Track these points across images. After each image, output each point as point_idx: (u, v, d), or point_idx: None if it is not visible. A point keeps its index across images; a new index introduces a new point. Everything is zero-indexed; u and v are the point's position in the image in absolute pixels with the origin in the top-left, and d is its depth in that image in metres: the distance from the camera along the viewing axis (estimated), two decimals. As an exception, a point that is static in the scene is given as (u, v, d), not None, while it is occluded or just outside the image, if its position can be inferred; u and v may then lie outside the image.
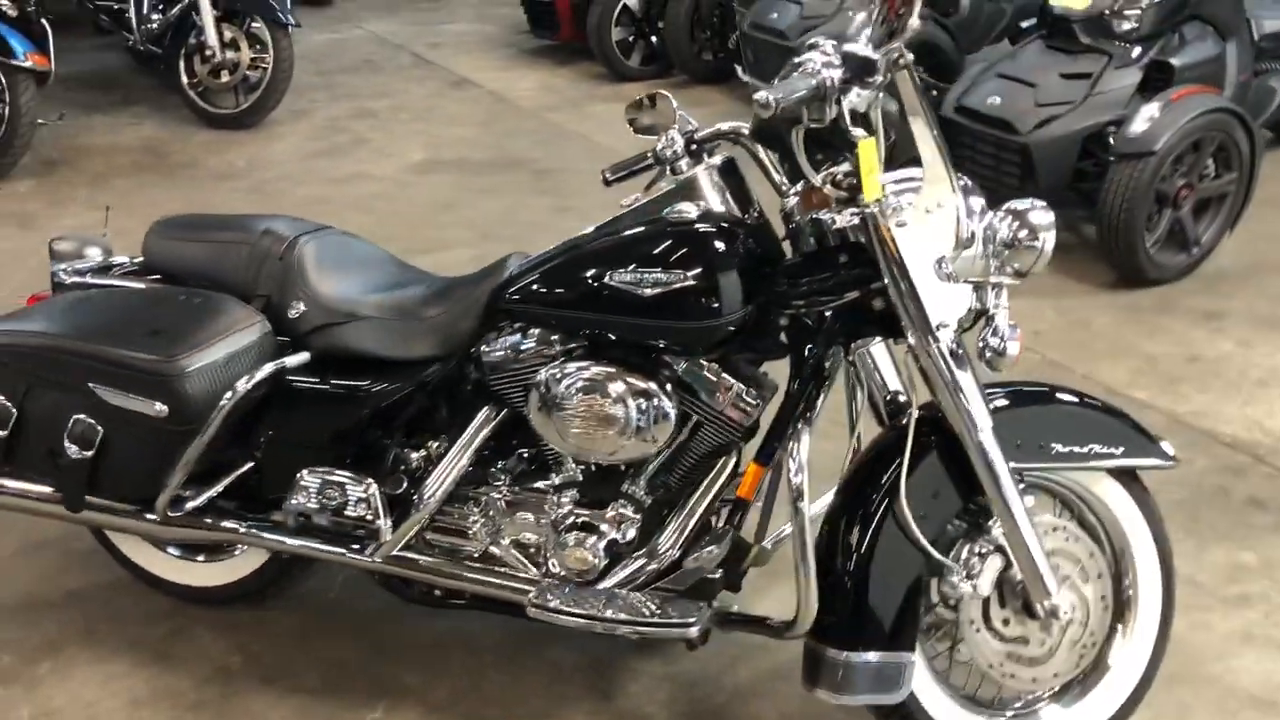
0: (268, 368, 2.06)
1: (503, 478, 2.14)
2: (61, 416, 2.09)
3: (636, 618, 1.96)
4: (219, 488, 2.17)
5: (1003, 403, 1.97)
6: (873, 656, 1.87)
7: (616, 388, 1.94)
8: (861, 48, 1.68)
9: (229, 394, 2.01)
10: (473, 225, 4.64)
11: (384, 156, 5.52)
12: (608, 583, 2.03)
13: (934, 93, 4.75)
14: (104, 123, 6.06)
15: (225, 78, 5.90)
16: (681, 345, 1.94)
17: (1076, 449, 1.94)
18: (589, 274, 1.94)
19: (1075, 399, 2.03)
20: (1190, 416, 3.17)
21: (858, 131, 1.66)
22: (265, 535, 2.17)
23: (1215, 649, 2.35)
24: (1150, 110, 3.81)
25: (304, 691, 2.29)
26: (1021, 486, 1.92)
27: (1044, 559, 1.88)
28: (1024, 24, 4.75)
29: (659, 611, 1.97)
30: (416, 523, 2.10)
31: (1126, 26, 4.22)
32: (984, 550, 1.92)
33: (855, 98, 1.67)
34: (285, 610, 2.49)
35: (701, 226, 1.92)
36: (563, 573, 2.05)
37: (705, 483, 2.04)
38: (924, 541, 1.86)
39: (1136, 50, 4.23)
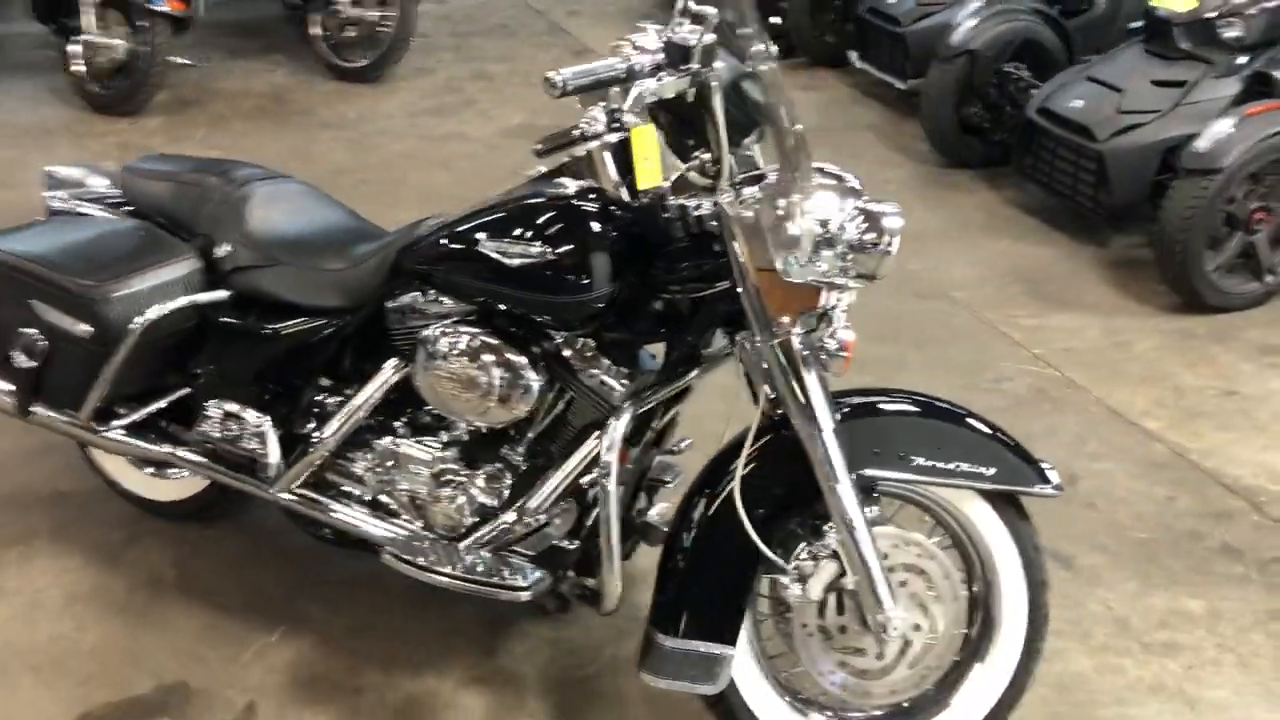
0: (180, 300, 2.20)
1: (402, 430, 2.22)
2: (14, 327, 2.29)
3: (470, 575, 2.02)
4: (150, 409, 2.34)
5: (870, 409, 1.93)
6: (692, 645, 1.88)
7: (485, 354, 2.00)
8: (684, 35, 1.67)
9: (138, 320, 2.16)
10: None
11: (485, 119, 5.68)
12: (468, 540, 2.09)
13: (1031, 91, 4.55)
14: (242, 68, 6.45)
15: (353, 33, 6.19)
16: (551, 318, 1.98)
17: (941, 464, 1.88)
18: (469, 242, 1.99)
19: (955, 414, 1.96)
20: (1196, 454, 2.97)
21: (629, 119, 1.66)
22: (177, 454, 2.33)
23: (1116, 694, 2.23)
24: (1224, 124, 3.56)
25: (218, 609, 2.45)
26: (875, 495, 1.89)
27: (880, 570, 1.84)
28: (1131, 26, 4.47)
29: (493, 572, 2.03)
30: (311, 463, 2.22)
31: (1232, 34, 3.95)
32: (819, 554, 1.89)
33: (654, 84, 1.66)
34: (229, 533, 2.66)
35: (573, 203, 1.94)
36: (434, 526, 2.13)
37: (575, 455, 2.07)
38: (755, 538, 1.84)
39: (1240, 60, 3.96)
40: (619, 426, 1.88)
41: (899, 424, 1.93)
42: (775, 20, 6.52)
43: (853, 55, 5.84)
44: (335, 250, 2.23)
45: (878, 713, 2.02)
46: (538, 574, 2.03)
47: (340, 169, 5.05)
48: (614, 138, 2.04)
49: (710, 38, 1.69)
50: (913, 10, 5.44)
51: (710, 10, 1.69)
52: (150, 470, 2.55)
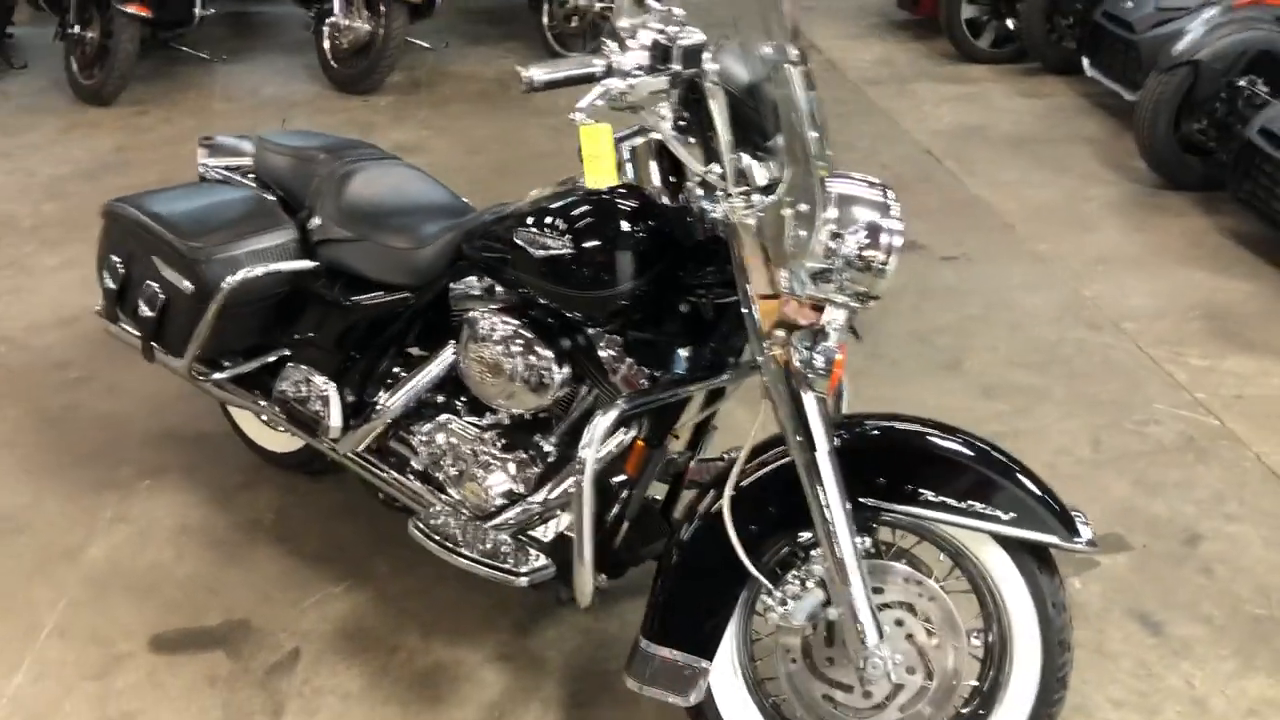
0: (266, 267, 2.36)
1: (456, 409, 2.30)
2: (142, 280, 2.54)
3: (474, 554, 2.07)
4: (248, 366, 2.53)
5: (882, 436, 1.84)
6: (671, 654, 1.85)
7: (515, 343, 2.04)
8: (670, 35, 1.62)
9: (228, 281, 2.34)
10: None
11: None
12: (495, 521, 2.14)
13: (1266, 106, 4.12)
14: (477, 54, 6.78)
15: (575, 23, 6.38)
16: (577, 312, 1.99)
17: (952, 502, 1.76)
18: (508, 232, 2.03)
19: (979, 451, 1.82)
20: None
21: (576, 116, 1.62)
22: (258, 405, 2.51)
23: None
24: None
25: (298, 555, 2.62)
26: (873, 525, 1.81)
27: (866, 603, 1.75)
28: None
29: (497, 554, 2.06)
30: (372, 429, 2.34)
31: None
32: (808, 579, 1.81)
33: (621, 84, 1.62)
34: (330, 487, 2.83)
35: (604, 200, 1.94)
36: (468, 504, 2.20)
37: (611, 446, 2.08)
38: (740, 554, 1.79)
39: None
40: (601, 424, 1.87)
41: (912, 454, 1.82)
42: (1010, 23, 6.23)
43: (1085, 62, 5.46)
44: (413, 231, 2.33)
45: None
46: (541, 562, 2.06)
47: (539, 153, 5.23)
48: (659, 136, 2.05)
49: (695, 38, 1.65)
50: (1150, 15, 5.04)
51: (679, 10, 1.65)
52: (265, 420, 2.76)
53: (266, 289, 2.40)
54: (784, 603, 1.82)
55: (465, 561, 2.09)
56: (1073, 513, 1.81)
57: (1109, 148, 5.02)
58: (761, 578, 1.81)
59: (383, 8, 5.86)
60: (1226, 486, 2.77)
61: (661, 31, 1.64)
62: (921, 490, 1.77)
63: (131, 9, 5.64)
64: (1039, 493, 1.79)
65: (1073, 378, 3.26)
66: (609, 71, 1.63)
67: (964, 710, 1.89)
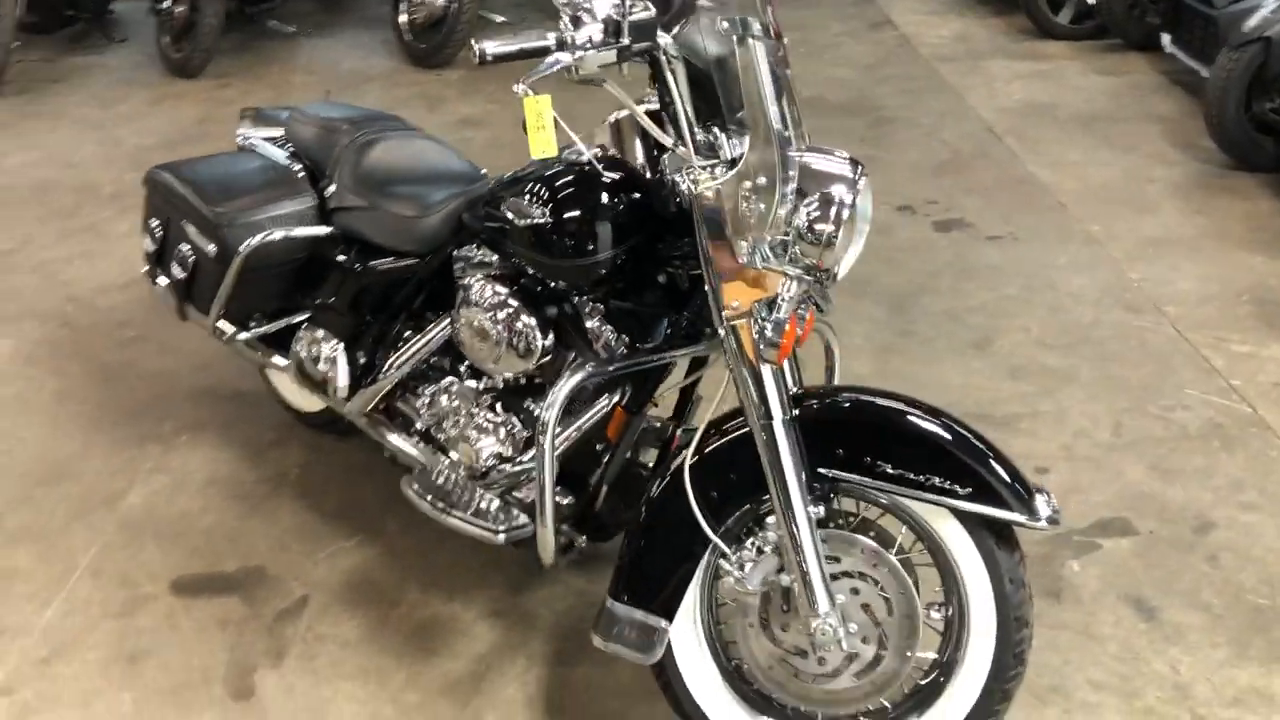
0: (285, 231, 2.47)
1: (461, 372, 2.38)
2: (176, 243, 2.67)
3: (461, 513, 2.14)
4: (269, 327, 2.65)
5: (845, 407, 1.85)
6: (633, 612, 1.90)
7: (501, 310, 2.11)
8: (622, 9, 1.65)
9: (245, 244, 2.45)
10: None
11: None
12: (483, 482, 2.21)
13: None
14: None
15: None
16: (559, 280, 2.04)
17: (910, 475, 1.77)
18: (499, 202, 2.09)
19: (945, 425, 1.82)
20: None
21: (518, 88, 1.66)
22: (274, 363, 2.63)
23: (1133, 764, 1.99)
24: None
25: (318, 510, 2.74)
26: (831, 495, 1.82)
27: (818, 570, 1.78)
28: None
29: (483, 514, 2.14)
30: (379, 390, 2.43)
31: None
32: (764, 547, 1.84)
33: (568, 58, 1.65)
34: (355, 447, 2.94)
35: (585, 172, 1.98)
36: (460, 464, 2.27)
37: (582, 414, 2.13)
38: (699, 518, 1.83)
39: None
40: (564, 386, 1.92)
41: (873, 427, 1.83)
42: (1090, -2, 6.06)
43: (1165, 38, 5.29)
44: (421, 199, 2.40)
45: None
46: (520, 520, 2.13)
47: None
48: (643, 109, 2.08)
49: (644, 13, 1.67)
50: (1232, -10, 4.86)
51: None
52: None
53: (284, 253, 2.51)
54: (740, 567, 1.85)
55: (452, 520, 2.17)
56: (1036, 491, 1.80)
57: (1181, 127, 4.86)
58: (719, 541, 1.85)
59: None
60: (1248, 475, 2.70)
61: (616, 6, 1.67)
62: (879, 462, 1.78)
63: (217, -16, 5.86)
64: (1000, 470, 1.78)
65: (1103, 360, 3.20)
66: (561, 45, 1.67)
67: (923, 682, 1.90)
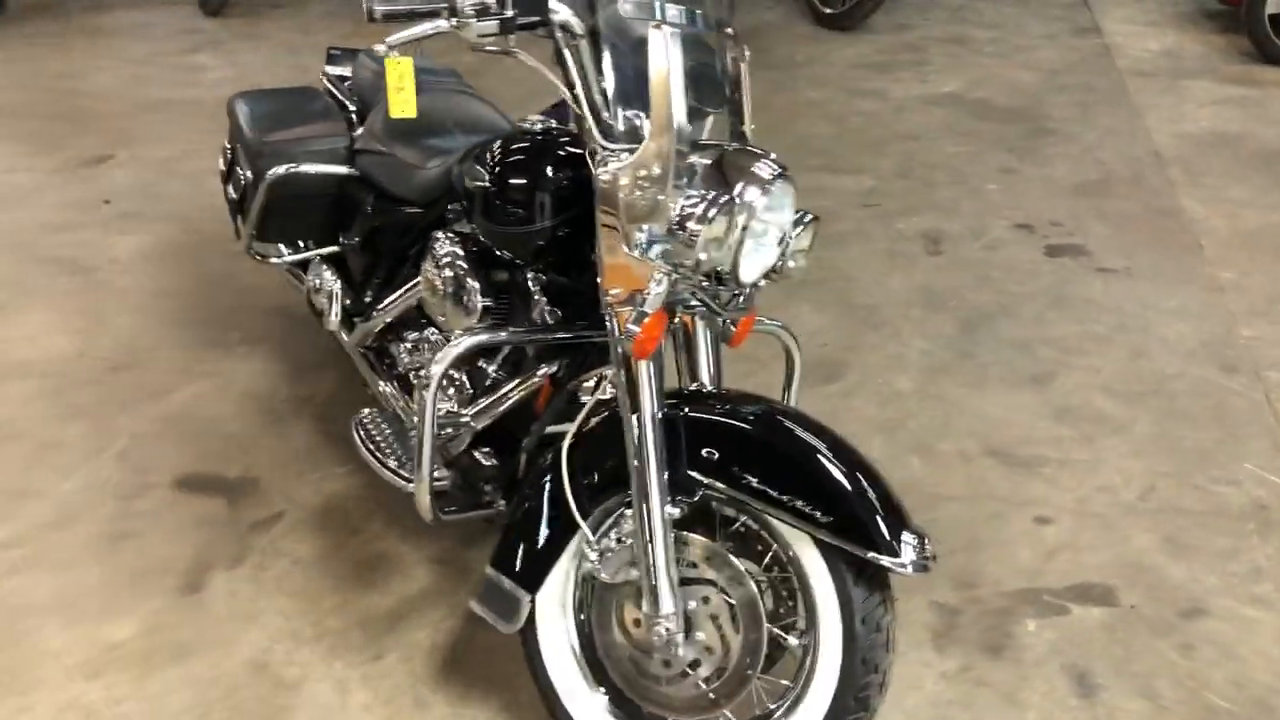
0: (310, 166, 2.59)
1: (438, 323, 2.45)
2: (233, 165, 2.86)
3: (383, 455, 2.22)
4: (298, 256, 2.80)
5: (727, 412, 1.80)
6: (501, 580, 1.93)
7: (449, 268, 2.16)
8: None
9: (271, 173, 2.59)
10: (902, 164, 4.55)
11: (919, 82, 5.49)
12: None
13: None
14: (752, 3, 6.80)
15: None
16: (498, 246, 2.07)
17: (773, 492, 1.72)
18: (459, 165, 2.14)
19: (828, 450, 1.75)
20: None
21: (380, 48, 1.66)
22: (301, 287, 2.78)
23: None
24: None
25: (325, 435, 2.90)
26: (694, 499, 1.79)
27: (665, 570, 1.75)
28: None
29: (400, 461, 2.20)
30: (369, 330, 2.54)
31: None
32: (624, 538, 1.83)
33: (445, 25, 1.63)
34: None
35: (536, 141, 1.99)
36: (410, 411, 2.35)
37: (517, 379, 2.16)
38: (569, 499, 1.84)
39: None
40: (453, 347, 1.94)
41: (749, 438, 1.77)
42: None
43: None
44: (429, 152, 2.48)
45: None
46: (442, 472, 2.18)
47: (806, 102, 5.22)
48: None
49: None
50: None
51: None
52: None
53: (308, 186, 2.64)
54: (600, 555, 1.85)
55: (375, 464, 2.25)
56: (910, 532, 1.70)
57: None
58: (584, 525, 1.84)
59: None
60: (1273, 566, 2.44)
61: None
62: (745, 474, 1.73)
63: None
64: (876, 504, 1.70)
65: (1167, 417, 2.94)
66: (454, 11, 1.68)
67: (772, 706, 1.85)
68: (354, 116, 2.79)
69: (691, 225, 1.62)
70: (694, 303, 1.78)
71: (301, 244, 2.82)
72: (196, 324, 3.41)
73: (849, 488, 1.70)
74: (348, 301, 2.60)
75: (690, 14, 1.78)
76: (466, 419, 2.13)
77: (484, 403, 2.16)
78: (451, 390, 2.27)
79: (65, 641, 2.27)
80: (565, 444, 1.86)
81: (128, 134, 4.96)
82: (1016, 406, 2.99)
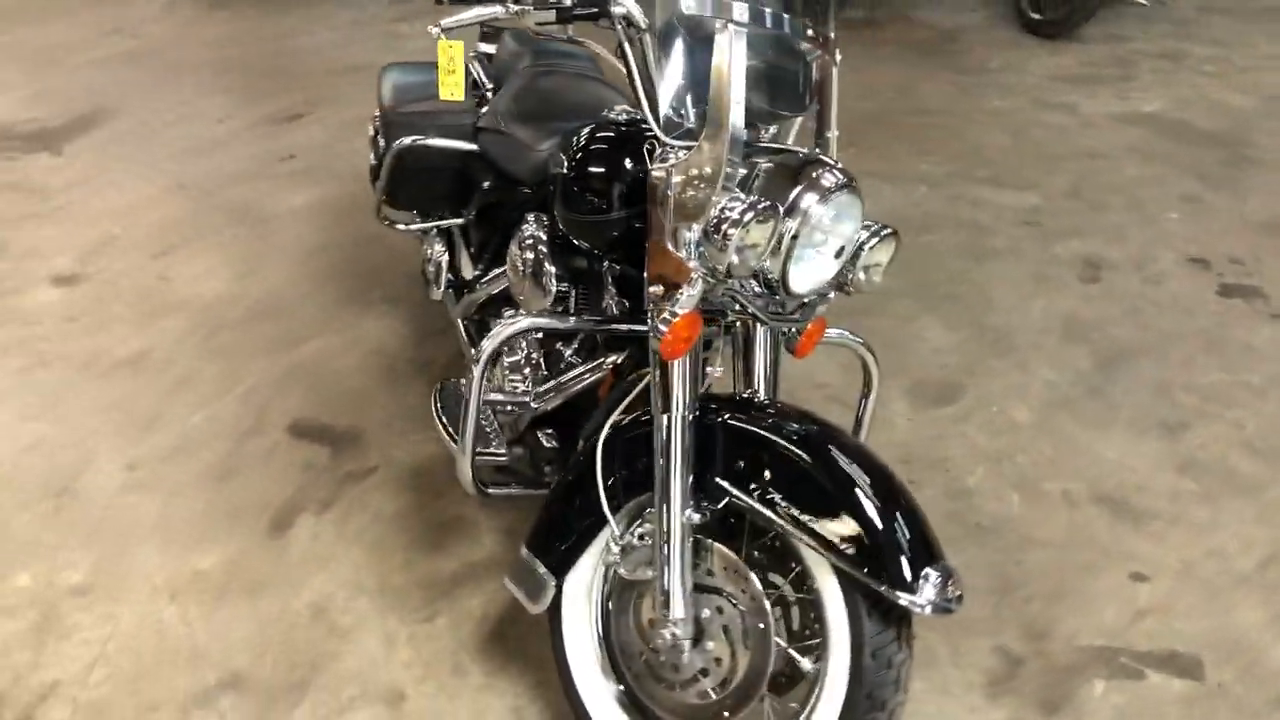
0: (434, 139, 2.67)
1: None
2: (377, 132, 2.98)
3: (450, 427, 2.26)
4: (423, 225, 2.90)
5: (767, 426, 1.76)
6: (533, 562, 1.96)
7: (530, 251, 2.20)
8: None
9: (398, 142, 2.68)
10: (1075, 183, 4.30)
11: (1118, 99, 5.16)
12: (495, 407, 2.33)
13: None
14: (956, 5, 6.57)
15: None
16: (572, 232, 2.08)
17: (795, 512, 1.68)
18: (551, 151, 2.17)
19: (862, 473, 1.69)
20: None
21: (434, 30, 1.65)
22: (424, 251, 2.89)
23: None
24: None
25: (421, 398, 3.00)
26: (719, 507, 1.76)
27: (679, 574, 1.74)
28: None
29: (476, 434, 2.25)
30: (473, 301, 2.61)
31: None
32: (646, 536, 1.82)
33: (501, 10, 1.63)
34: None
35: (619, 130, 1.99)
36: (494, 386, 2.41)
37: (588, 366, 2.18)
38: (601, 492, 1.84)
39: None
40: (506, 326, 1.96)
41: (780, 453, 1.71)
42: None
43: None
44: (542, 133, 2.51)
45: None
46: (502, 449, 2.22)
47: (921, 109, 5.07)
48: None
49: None
50: None
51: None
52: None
53: (432, 158, 2.72)
54: (623, 551, 1.85)
55: (442, 431, 2.31)
56: (936, 571, 1.62)
57: None
58: (610, 519, 1.85)
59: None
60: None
61: None
62: (771, 490, 1.70)
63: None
64: (903, 538, 1.63)
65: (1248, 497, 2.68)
66: (515, -1, 1.69)
67: (781, 725, 1.81)
68: (488, 94, 2.87)
69: (726, 228, 1.58)
70: (738, 308, 1.74)
71: (425, 214, 2.92)
72: (343, 280, 3.59)
73: (876, 519, 1.64)
74: (453, 275, 2.68)
75: (767, 14, 1.73)
76: (527, 399, 2.17)
77: (547, 386, 2.19)
78: (527, 370, 2.31)
79: (158, 562, 2.45)
80: (601, 436, 1.86)
81: (321, 94, 5.25)
82: (1139, 453, 2.80)
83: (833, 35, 1.94)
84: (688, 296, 1.66)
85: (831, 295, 1.81)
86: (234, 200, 4.16)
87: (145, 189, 4.27)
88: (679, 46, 1.72)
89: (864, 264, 1.77)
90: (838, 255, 1.71)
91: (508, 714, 2.10)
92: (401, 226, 2.95)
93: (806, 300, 1.77)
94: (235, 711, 2.10)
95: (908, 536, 1.63)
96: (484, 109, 2.73)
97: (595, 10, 1.67)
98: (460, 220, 2.83)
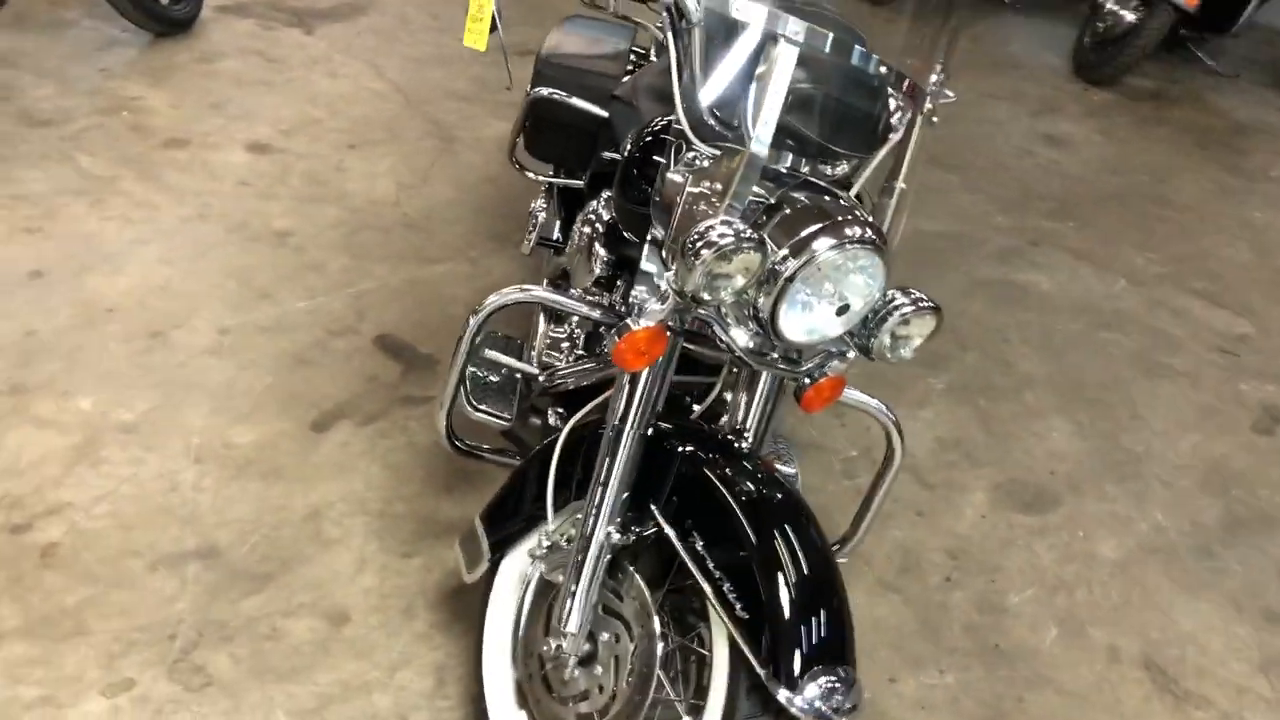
0: (567, 95, 2.63)
1: None
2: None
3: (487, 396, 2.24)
4: (548, 179, 2.89)
5: (713, 466, 1.65)
6: (478, 532, 1.94)
7: (591, 226, 2.16)
8: None
9: (534, 91, 2.66)
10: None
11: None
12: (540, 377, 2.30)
13: None
14: (1251, 100, 5.97)
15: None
16: (622, 221, 2.02)
17: (709, 563, 1.58)
18: None
19: (797, 550, 1.56)
20: None
21: None
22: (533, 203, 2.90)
23: None
24: None
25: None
26: (646, 533, 1.68)
27: (584, 589, 1.69)
28: None
29: (494, 387, 2.22)
30: (555, 265, 2.59)
31: None
32: (570, 541, 1.75)
33: None
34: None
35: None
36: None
37: (597, 357, 2.11)
38: (550, 485, 1.79)
39: None
40: (500, 299, 1.92)
41: (725, 503, 1.60)
42: None
43: None
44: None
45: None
46: (501, 410, 2.19)
47: (1166, 200, 4.65)
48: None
49: None
50: None
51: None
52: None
53: (561, 114, 2.68)
54: (550, 549, 1.79)
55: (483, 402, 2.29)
56: (832, 678, 1.48)
57: None
58: (550, 514, 1.80)
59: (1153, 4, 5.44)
60: None
61: None
62: (696, 533, 1.60)
63: None
64: (807, 632, 1.50)
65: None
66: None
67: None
68: (627, 60, 2.81)
69: (700, 248, 1.47)
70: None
71: (552, 168, 2.91)
72: (495, 216, 3.65)
73: (787, 604, 1.51)
74: (546, 235, 2.66)
75: (830, 38, 1.59)
76: (534, 373, 2.13)
77: (560, 367, 2.15)
78: (565, 346, 2.27)
79: (201, 425, 2.58)
80: (564, 431, 1.80)
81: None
82: (1220, 633, 2.47)
83: (937, 79, 1.77)
84: (650, 310, 1.57)
85: (851, 355, 1.67)
86: (437, 115, 4.30)
87: (366, 83, 4.48)
88: (733, 49, 1.61)
89: (891, 331, 1.62)
90: (841, 312, 1.57)
91: (430, 669, 2.10)
92: (531, 175, 2.95)
93: (805, 352, 1.65)
94: (196, 582, 2.20)
95: (816, 634, 1.51)
96: (626, 78, 2.68)
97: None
98: (579, 182, 2.80)
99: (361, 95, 4.38)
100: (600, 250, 2.10)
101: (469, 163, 3.98)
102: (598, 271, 2.10)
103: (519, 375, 2.20)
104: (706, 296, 1.49)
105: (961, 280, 3.75)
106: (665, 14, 1.59)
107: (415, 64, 4.76)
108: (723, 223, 1.49)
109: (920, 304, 1.61)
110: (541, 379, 2.12)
